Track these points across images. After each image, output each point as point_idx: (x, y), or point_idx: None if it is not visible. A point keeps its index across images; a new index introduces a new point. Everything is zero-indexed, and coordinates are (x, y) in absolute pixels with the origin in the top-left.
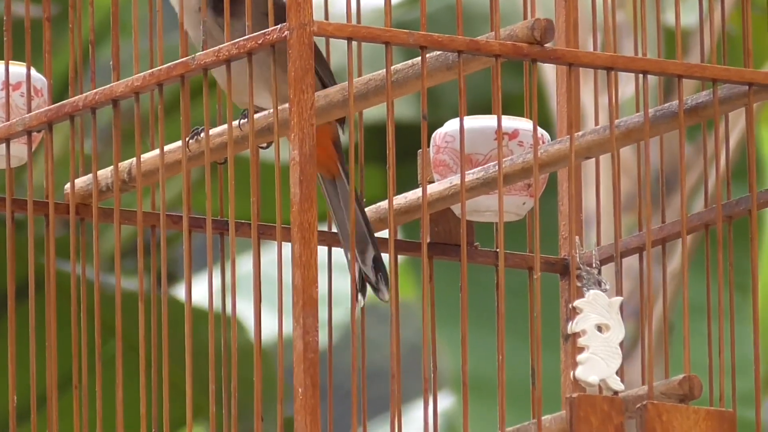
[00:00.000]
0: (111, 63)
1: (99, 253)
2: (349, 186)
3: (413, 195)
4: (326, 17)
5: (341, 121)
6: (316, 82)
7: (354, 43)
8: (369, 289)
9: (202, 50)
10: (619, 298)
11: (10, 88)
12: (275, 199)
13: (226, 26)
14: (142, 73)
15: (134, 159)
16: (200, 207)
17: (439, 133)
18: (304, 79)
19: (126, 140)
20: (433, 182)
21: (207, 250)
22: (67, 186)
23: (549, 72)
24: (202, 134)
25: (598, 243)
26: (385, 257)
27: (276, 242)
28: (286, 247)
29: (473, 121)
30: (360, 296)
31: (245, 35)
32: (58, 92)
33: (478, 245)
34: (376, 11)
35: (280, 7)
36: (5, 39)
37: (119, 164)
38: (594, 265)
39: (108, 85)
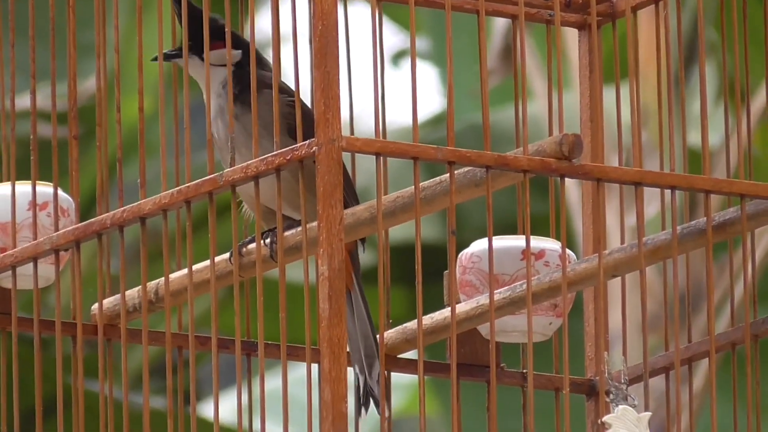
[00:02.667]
0: (138, 181)
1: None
2: (361, 298)
3: (440, 315)
4: (351, 133)
5: (363, 239)
6: None
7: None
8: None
9: (230, 167)
10: (648, 413)
11: (37, 207)
12: (301, 319)
13: (254, 124)
14: (169, 191)
15: (161, 279)
16: (226, 327)
17: (465, 254)
18: (333, 194)
19: (151, 258)
20: (460, 302)
21: (235, 370)
22: (94, 307)
23: (572, 191)
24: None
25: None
26: (411, 377)
27: (305, 362)
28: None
29: (499, 242)
30: (363, 409)
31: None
32: (85, 210)
33: (505, 366)
34: (399, 130)
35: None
36: (32, 159)
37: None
38: (623, 381)
39: (136, 203)
